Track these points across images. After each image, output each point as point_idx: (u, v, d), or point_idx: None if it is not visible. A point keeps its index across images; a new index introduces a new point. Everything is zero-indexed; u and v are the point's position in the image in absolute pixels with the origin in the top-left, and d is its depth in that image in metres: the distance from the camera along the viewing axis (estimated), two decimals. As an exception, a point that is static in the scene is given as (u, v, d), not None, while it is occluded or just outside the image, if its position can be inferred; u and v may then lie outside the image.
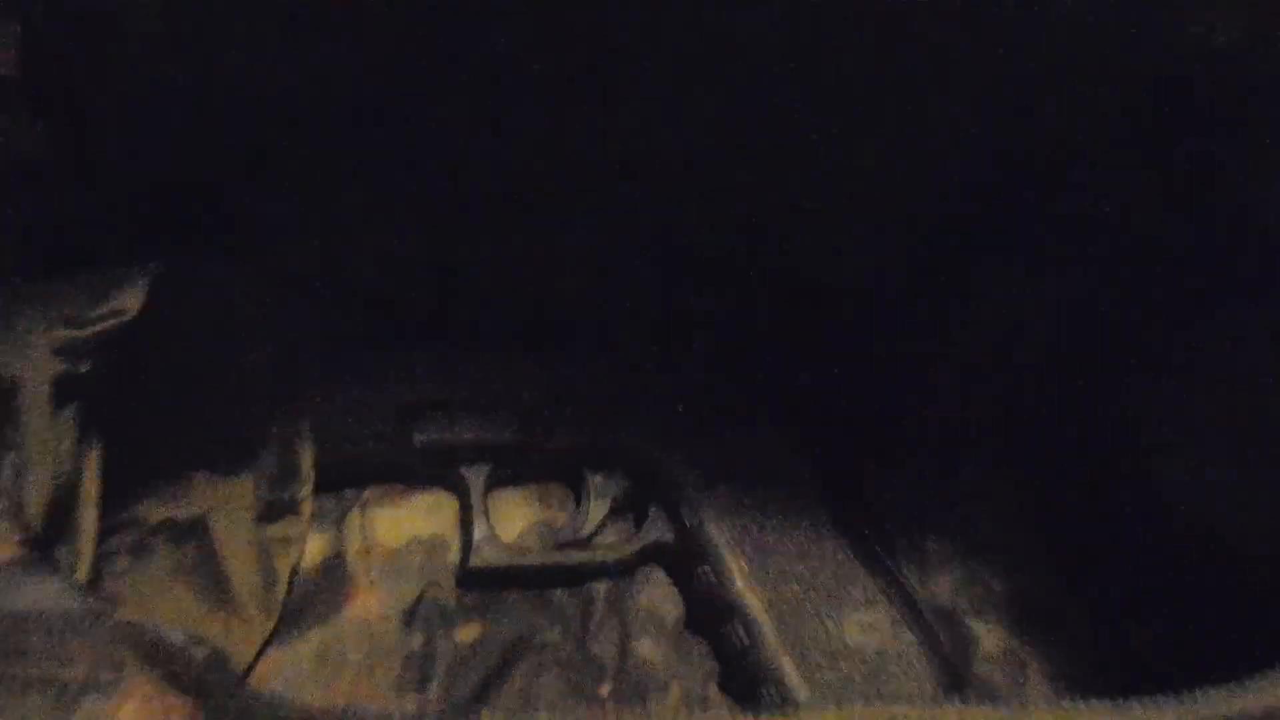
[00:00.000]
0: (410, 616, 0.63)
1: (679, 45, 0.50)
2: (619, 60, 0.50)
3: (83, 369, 0.46)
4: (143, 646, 0.31)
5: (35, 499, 0.43)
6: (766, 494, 0.64)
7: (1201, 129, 0.49)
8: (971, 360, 0.65)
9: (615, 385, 0.66)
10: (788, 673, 0.59)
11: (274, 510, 0.60)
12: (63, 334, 0.46)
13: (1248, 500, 0.53)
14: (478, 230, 0.61)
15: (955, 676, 0.61)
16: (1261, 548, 0.53)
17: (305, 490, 0.60)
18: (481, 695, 0.61)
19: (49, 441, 0.45)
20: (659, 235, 0.63)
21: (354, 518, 0.65)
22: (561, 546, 0.65)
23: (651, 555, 0.66)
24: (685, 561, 0.64)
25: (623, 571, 0.66)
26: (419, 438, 0.63)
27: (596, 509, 0.66)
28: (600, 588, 0.66)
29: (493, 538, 0.63)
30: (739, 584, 0.61)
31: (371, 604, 0.63)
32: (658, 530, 0.65)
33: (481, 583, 0.64)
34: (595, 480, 0.66)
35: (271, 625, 0.59)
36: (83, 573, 0.47)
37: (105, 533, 0.52)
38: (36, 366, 0.45)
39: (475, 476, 0.64)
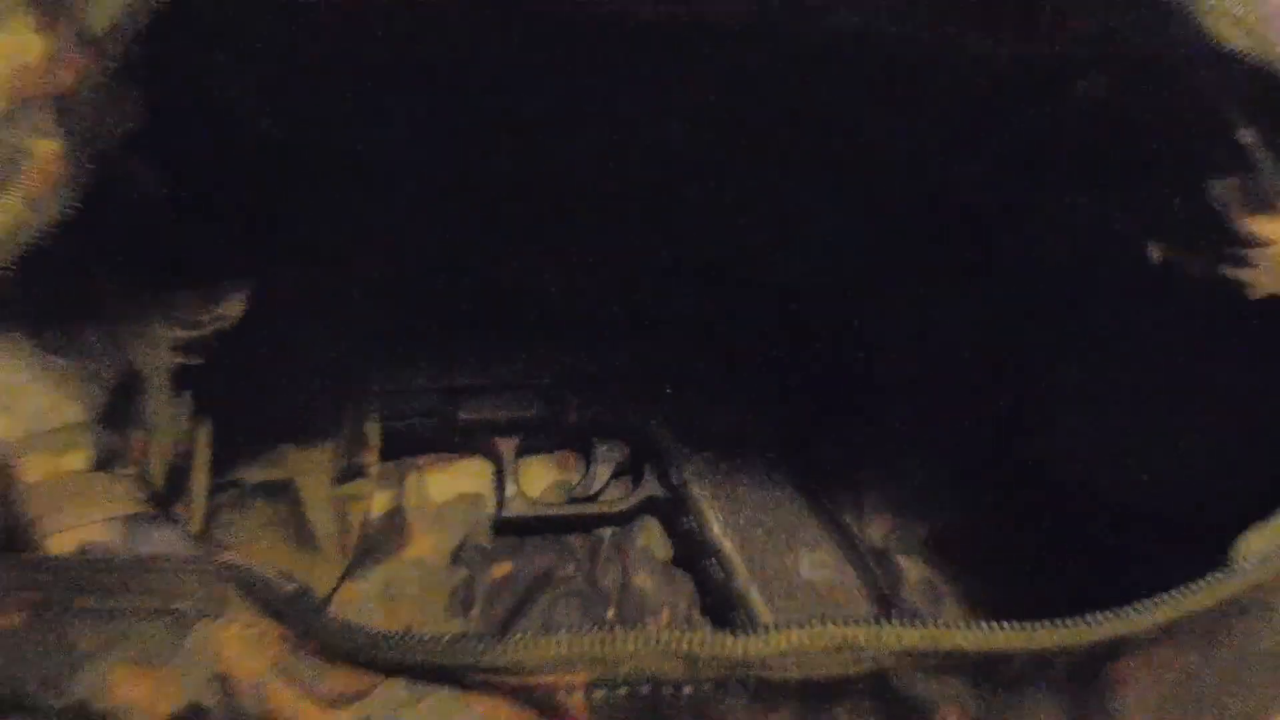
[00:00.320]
0: (455, 557, 0.64)
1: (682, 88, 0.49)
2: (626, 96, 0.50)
3: (196, 362, 0.47)
4: (243, 582, 0.32)
5: (158, 466, 0.44)
6: (739, 458, 0.65)
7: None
8: (904, 349, 0.65)
9: (619, 371, 0.67)
10: (755, 600, 0.61)
11: (348, 473, 0.61)
12: (181, 334, 0.47)
13: (1125, 459, 0.53)
14: (508, 243, 0.62)
15: (886, 604, 0.62)
16: (1136, 498, 0.53)
17: (372, 457, 0.61)
18: (512, 619, 0.63)
19: (169, 420, 0.46)
20: (656, 246, 0.63)
21: (411, 478, 0.66)
22: (574, 501, 0.66)
23: (646, 508, 0.67)
24: (673, 512, 0.65)
25: (624, 520, 0.67)
26: (462, 415, 0.64)
27: (603, 471, 0.67)
28: (606, 533, 0.67)
29: (520, 494, 0.65)
30: (715, 530, 0.63)
31: (425, 547, 0.64)
32: (651, 488, 0.66)
33: (512, 530, 0.66)
34: (602, 449, 0.67)
35: (345, 565, 0.60)
36: (195, 525, 0.48)
37: (213, 492, 0.52)
38: (160, 360, 0.46)
39: (507, 446, 0.65)
